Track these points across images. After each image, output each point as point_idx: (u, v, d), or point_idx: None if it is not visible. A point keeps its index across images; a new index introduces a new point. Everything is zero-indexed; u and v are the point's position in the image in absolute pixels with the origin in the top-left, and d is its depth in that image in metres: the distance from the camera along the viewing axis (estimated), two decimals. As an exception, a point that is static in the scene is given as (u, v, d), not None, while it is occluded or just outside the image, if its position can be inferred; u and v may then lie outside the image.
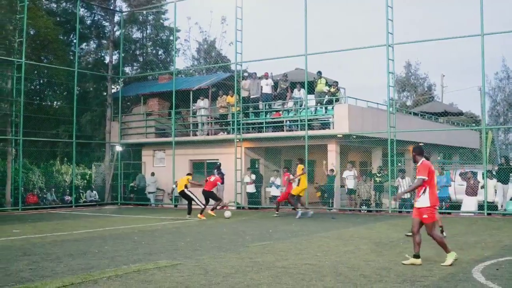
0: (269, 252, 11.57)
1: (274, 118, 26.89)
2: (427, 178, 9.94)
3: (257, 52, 43.56)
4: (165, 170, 29.69)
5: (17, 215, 23.92)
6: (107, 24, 34.95)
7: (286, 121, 26.47)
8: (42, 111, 32.45)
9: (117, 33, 32.95)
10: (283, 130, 26.41)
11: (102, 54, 36.60)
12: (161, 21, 39.24)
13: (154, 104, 31.49)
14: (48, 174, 30.54)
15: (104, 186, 31.47)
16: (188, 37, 45.63)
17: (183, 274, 9.08)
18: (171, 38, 37.85)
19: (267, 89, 27.17)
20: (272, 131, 26.68)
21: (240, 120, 27.03)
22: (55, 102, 36.48)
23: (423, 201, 9.98)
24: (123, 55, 33.44)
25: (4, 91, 26.16)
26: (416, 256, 9.89)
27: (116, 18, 32.90)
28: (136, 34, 38.82)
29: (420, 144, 19.05)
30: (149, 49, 39.84)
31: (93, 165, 32.39)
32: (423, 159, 10.26)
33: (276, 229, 16.87)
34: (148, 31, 39.74)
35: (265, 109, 27.19)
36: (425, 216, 9.93)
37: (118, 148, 31.25)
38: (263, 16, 60.33)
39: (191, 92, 29.11)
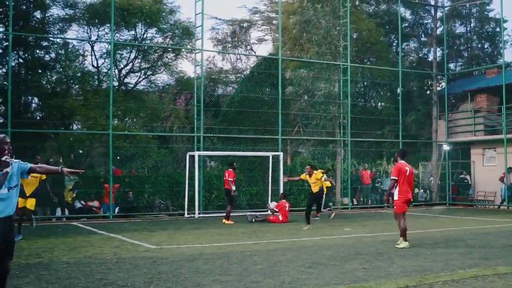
0: None
1: None
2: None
3: None
4: (497, 169, 27.84)
5: (347, 213, 24.65)
6: (429, 21, 34.57)
7: None
8: (367, 112, 33.25)
9: (440, 29, 32.32)
10: None
11: (425, 52, 36.39)
12: (486, 12, 37.36)
13: (482, 100, 30.19)
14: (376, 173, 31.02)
15: (432, 186, 30.97)
16: (518, 26, 42.50)
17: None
18: (498, 29, 35.90)
19: None
20: None
21: None
22: (379, 103, 37.10)
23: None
24: (447, 51, 32.62)
25: (332, 94, 27.46)
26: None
27: (439, 14, 32.36)
28: (460, 29, 37.74)
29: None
30: (474, 43, 38.33)
31: (419, 164, 32.06)
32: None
33: None
34: (472, 25, 38.25)
35: None
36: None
37: (446, 147, 30.48)
38: None
39: (522, 86, 27.07)
